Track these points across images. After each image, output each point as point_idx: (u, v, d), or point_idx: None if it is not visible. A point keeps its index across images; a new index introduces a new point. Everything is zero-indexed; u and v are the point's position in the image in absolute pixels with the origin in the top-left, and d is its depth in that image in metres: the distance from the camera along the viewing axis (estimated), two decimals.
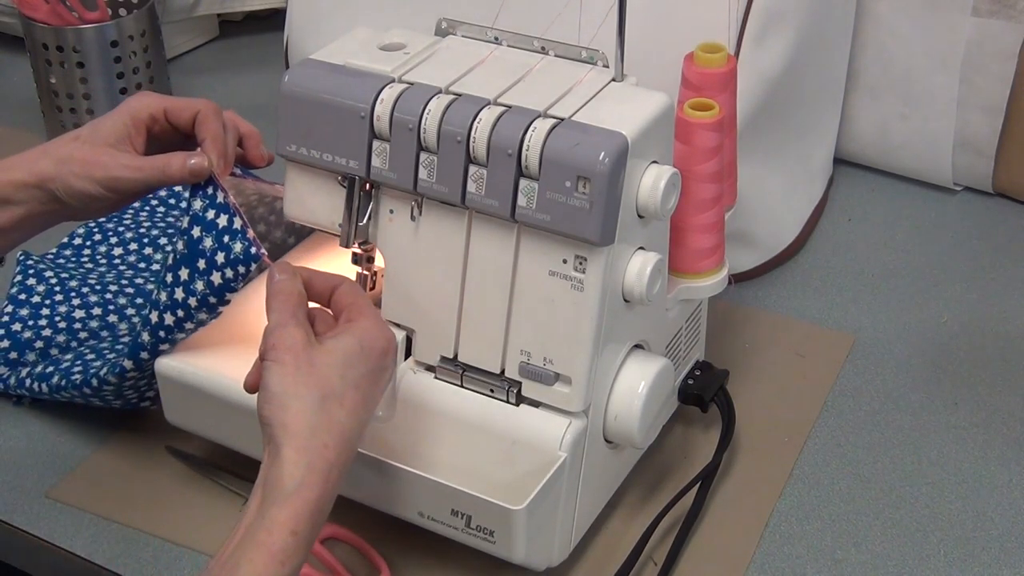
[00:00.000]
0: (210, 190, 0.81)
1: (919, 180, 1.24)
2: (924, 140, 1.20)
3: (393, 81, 0.80)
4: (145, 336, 0.84)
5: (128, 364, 0.85)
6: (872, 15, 1.18)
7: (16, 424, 0.95)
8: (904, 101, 1.20)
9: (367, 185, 0.81)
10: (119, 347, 0.94)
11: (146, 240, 1.10)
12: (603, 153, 0.74)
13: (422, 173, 0.78)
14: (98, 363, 0.90)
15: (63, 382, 0.89)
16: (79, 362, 0.92)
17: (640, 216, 0.78)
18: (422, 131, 0.77)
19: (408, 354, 0.84)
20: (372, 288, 0.87)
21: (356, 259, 0.86)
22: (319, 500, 0.68)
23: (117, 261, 1.09)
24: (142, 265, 1.08)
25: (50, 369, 0.92)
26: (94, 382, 0.87)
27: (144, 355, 0.84)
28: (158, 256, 1.09)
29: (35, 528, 0.87)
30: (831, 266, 1.13)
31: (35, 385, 0.92)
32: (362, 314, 0.74)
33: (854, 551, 0.86)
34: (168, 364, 0.85)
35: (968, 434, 0.95)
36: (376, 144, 0.79)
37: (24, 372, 0.94)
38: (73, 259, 1.09)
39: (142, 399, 0.91)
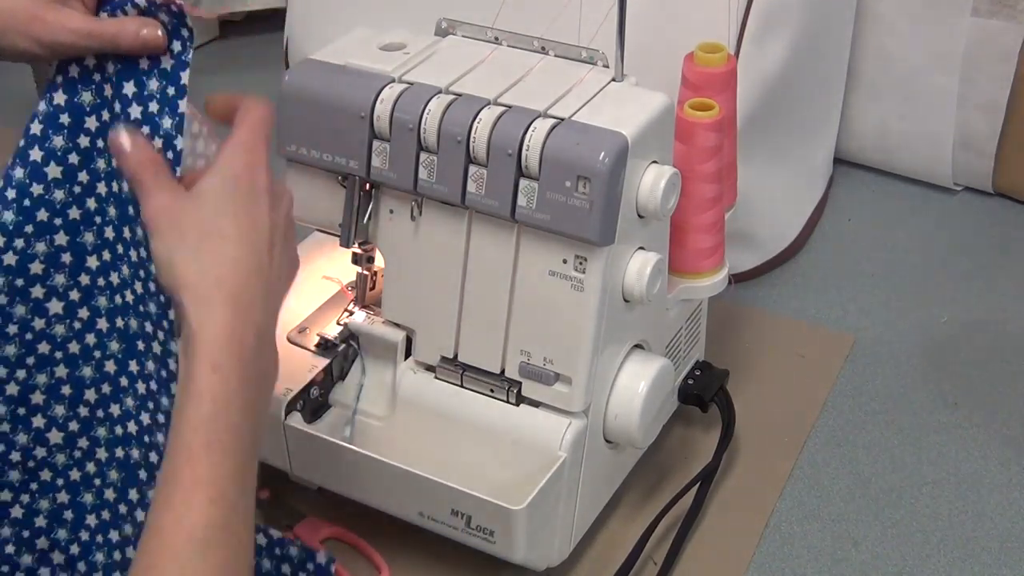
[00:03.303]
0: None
1: (919, 180, 1.23)
2: (924, 140, 1.20)
3: (393, 81, 0.80)
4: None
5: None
6: (872, 15, 1.18)
7: None
8: (904, 101, 1.20)
9: (367, 185, 0.81)
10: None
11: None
12: (603, 153, 0.74)
13: (422, 173, 0.78)
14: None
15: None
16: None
17: (640, 216, 0.78)
18: (422, 131, 0.77)
19: (408, 354, 0.84)
20: (372, 288, 0.87)
21: (356, 259, 0.86)
22: (231, 326, 0.65)
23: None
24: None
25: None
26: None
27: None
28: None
29: None
30: (831, 266, 1.13)
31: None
32: (224, 146, 0.70)
33: (854, 551, 0.86)
34: None
35: (968, 434, 0.95)
36: (376, 144, 0.79)
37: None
38: None
39: None
